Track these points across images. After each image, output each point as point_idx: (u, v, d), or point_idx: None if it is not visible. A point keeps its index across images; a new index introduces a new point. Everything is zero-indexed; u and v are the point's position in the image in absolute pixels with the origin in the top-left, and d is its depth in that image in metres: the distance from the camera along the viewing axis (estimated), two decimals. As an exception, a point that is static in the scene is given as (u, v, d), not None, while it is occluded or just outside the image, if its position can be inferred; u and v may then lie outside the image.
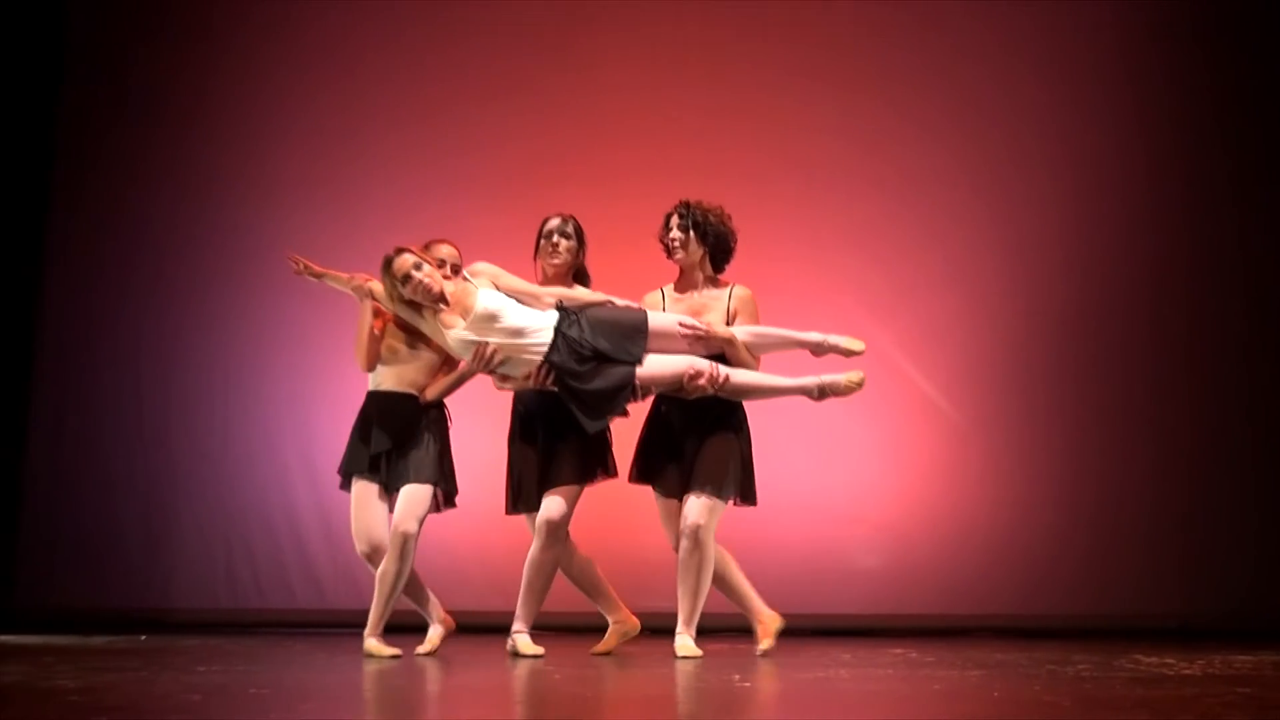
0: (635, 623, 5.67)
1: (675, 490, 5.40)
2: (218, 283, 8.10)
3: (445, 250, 5.54)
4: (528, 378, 5.27)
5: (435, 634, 5.65)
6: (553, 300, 5.36)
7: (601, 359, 5.19)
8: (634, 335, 5.24)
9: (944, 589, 7.47)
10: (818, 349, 5.42)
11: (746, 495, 5.46)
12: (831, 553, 7.48)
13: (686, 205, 5.57)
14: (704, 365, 5.22)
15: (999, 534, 7.52)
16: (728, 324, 5.46)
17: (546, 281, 5.55)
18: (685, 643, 5.29)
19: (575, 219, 5.60)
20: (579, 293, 5.47)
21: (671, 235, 5.55)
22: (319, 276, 5.58)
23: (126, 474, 7.99)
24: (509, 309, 5.25)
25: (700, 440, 5.38)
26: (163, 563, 7.88)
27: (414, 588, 5.60)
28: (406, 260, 5.26)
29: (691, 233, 5.53)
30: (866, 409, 7.60)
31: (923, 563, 7.52)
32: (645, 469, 5.49)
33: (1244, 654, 5.36)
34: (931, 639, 6.62)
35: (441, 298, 5.26)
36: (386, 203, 7.96)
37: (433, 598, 5.71)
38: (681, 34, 8.07)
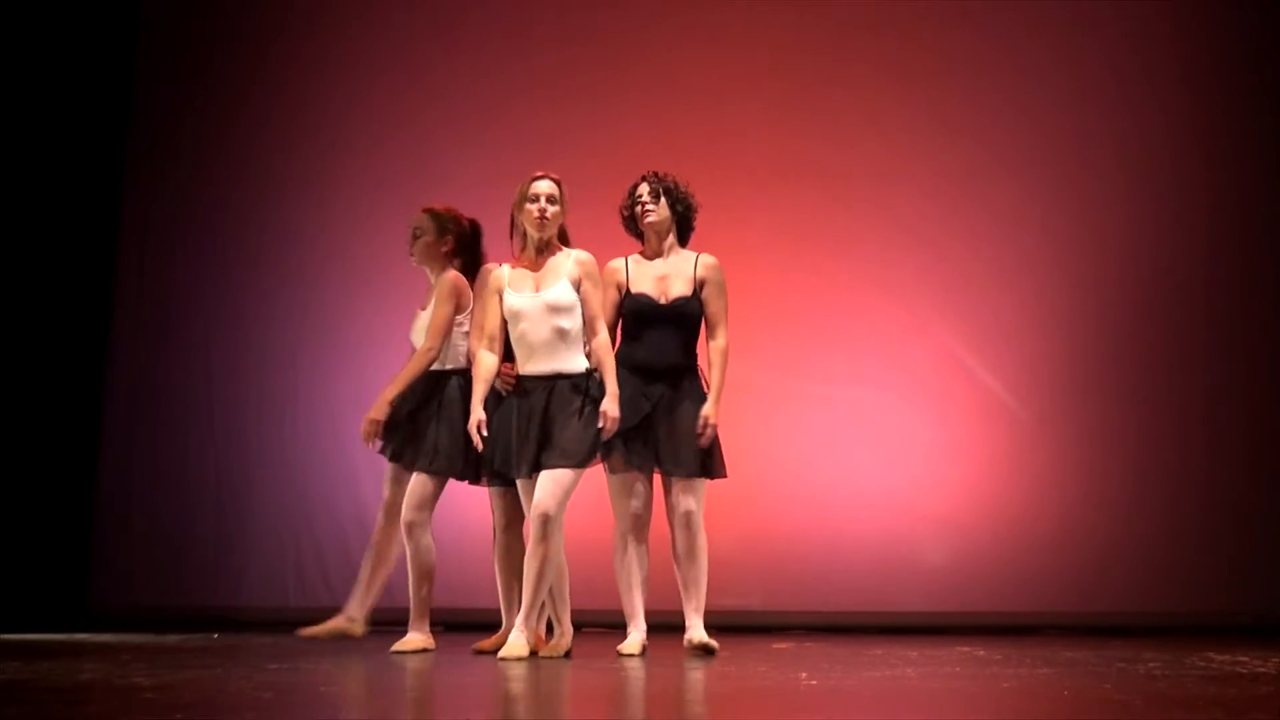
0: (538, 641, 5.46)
1: (641, 464, 5.39)
2: (290, 280, 8.20)
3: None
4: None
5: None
6: (601, 342, 5.25)
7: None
8: (569, 452, 5.10)
9: (1010, 586, 7.41)
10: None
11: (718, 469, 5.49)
12: (897, 549, 7.45)
13: (655, 174, 5.59)
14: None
15: (1065, 530, 7.46)
16: (694, 291, 5.48)
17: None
18: (700, 634, 5.34)
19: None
20: (609, 364, 5.24)
21: (643, 201, 5.53)
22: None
23: (199, 473, 8.10)
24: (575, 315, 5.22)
25: (671, 418, 5.39)
26: (234, 561, 7.97)
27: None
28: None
29: (663, 199, 5.55)
30: (931, 406, 7.61)
31: (988, 559, 7.47)
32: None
33: (1319, 652, 5.29)
34: (998, 637, 6.58)
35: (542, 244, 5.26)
36: (454, 203, 7.98)
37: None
38: (741, 33, 8.07)
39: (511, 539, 5.59)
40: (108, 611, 7.71)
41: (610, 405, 5.12)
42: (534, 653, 5.22)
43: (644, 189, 5.57)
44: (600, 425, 5.11)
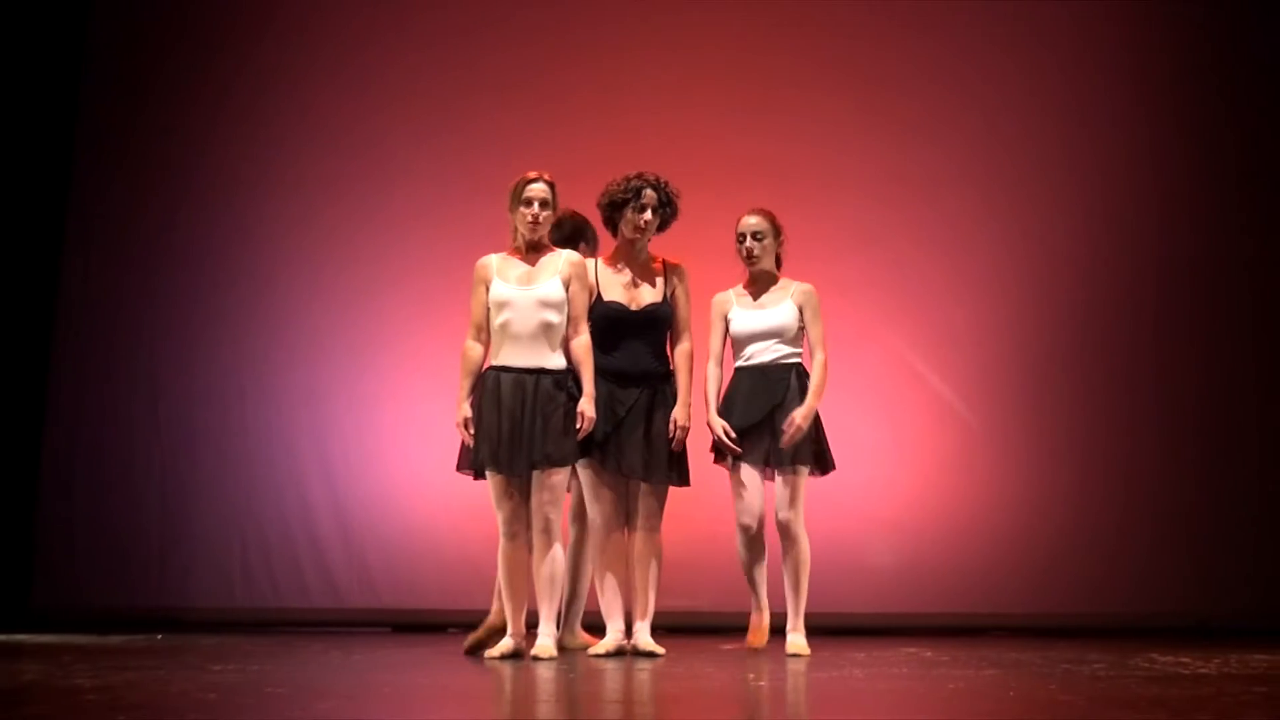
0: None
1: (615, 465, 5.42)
2: (236, 281, 8.11)
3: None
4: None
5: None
6: (583, 343, 5.29)
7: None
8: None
9: (957, 588, 7.45)
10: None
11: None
12: (847, 551, 7.46)
13: (659, 182, 5.55)
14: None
15: (1012, 533, 7.51)
16: (664, 297, 5.52)
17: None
18: (645, 638, 5.42)
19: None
20: (588, 364, 5.29)
21: (644, 218, 5.50)
22: None
23: (143, 473, 8.01)
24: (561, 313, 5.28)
25: (643, 425, 5.41)
26: (179, 562, 7.89)
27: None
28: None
29: (663, 210, 5.56)
30: (881, 409, 7.64)
31: (936, 561, 7.51)
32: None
33: (1260, 652, 5.34)
34: (945, 638, 6.61)
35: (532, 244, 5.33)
36: (407, 202, 7.99)
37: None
38: (695, 32, 8.07)
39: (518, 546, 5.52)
40: (50, 612, 7.61)
41: (587, 406, 5.20)
42: (563, 648, 5.40)
43: (651, 195, 5.53)
44: (578, 426, 5.19)
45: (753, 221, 5.65)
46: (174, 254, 8.17)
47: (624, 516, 5.48)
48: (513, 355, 5.24)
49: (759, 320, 5.59)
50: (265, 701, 3.66)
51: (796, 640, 5.44)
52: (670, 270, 5.57)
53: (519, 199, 5.34)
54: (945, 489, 7.63)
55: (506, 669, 4.82)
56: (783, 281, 5.70)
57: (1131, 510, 7.50)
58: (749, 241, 5.64)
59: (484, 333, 5.32)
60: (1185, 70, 7.90)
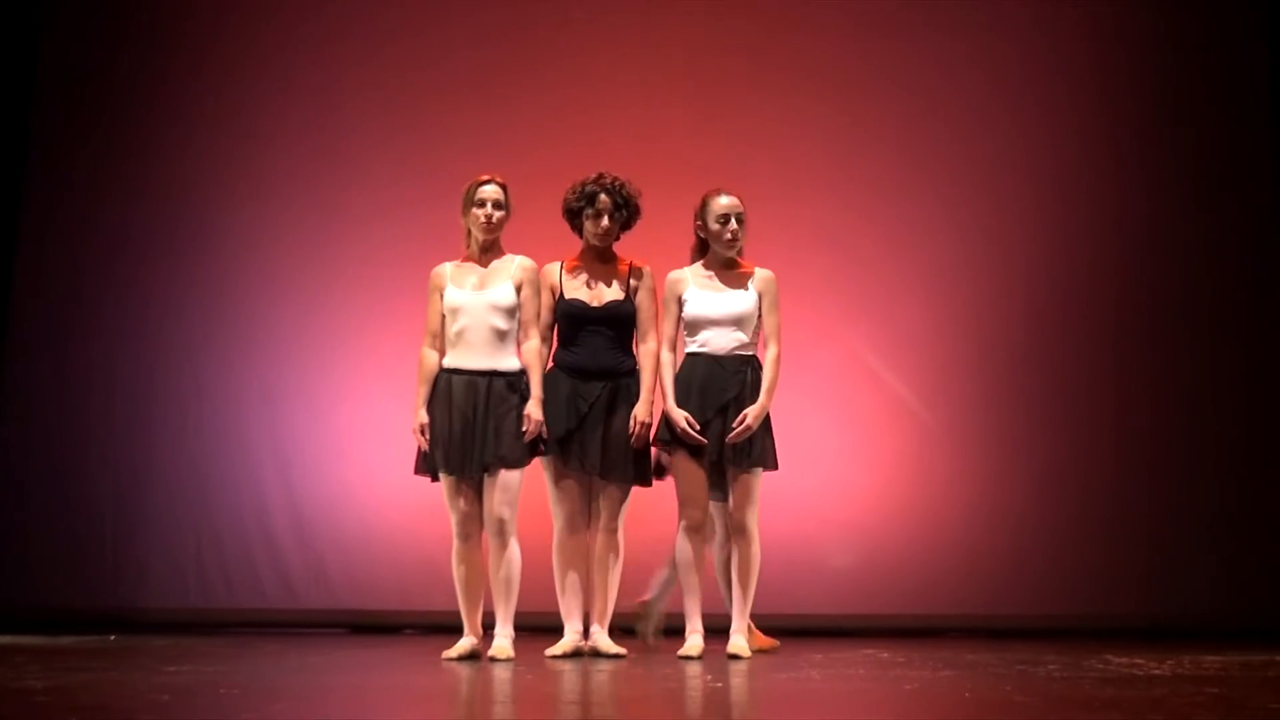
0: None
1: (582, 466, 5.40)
2: (193, 280, 8.04)
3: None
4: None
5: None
6: (532, 347, 5.34)
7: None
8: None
9: (914, 589, 7.48)
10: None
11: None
12: (804, 552, 7.48)
13: (616, 184, 5.51)
14: None
15: (969, 534, 7.54)
16: (627, 295, 5.49)
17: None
18: (604, 640, 5.45)
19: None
20: (537, 368, 5.35)
21: (607, 212, 5.47)
22: None
23: (97, 472, 7.93)
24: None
25: (605, 423, 5.39)
26: (133, 562, 7.81)
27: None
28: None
29: (621, 213, 5.53)
30: (839, 410, 7.66)
31: (893, 563, 7.53)
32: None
33: (1212, 654, 5.39)
34: (902, 639, 6.63)
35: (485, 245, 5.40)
36: (366, 203, 7.95)
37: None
38: (655, 34, 8.07)
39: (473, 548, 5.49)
40: (1, 612, 7.53)
41: (533, 408, 5.24)
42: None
43: (605, 200, 5.49)
44: (525, 429, 5.22)
45: (734, 202, 5.49)
46: (130, 252, 8.10)
47: (586, 516, 5.47)
48: (465, 358, 5.30)
49: (718, 305, 5.42)
50: (220, 703, 3.64)
51: (739, 641, 5.35)
52: (634, 271, 5.57)
53: (472, 201, 5.41)
54: (903, 490, 7.65)
55: (463, 670, 4.81)
56: (744, 266, 5.57)
57: (1087, 513, 7.55)
58: (733, 224, 5.48)
59: (439, 340, 5.38)
60: (1146, 73, 7.95)
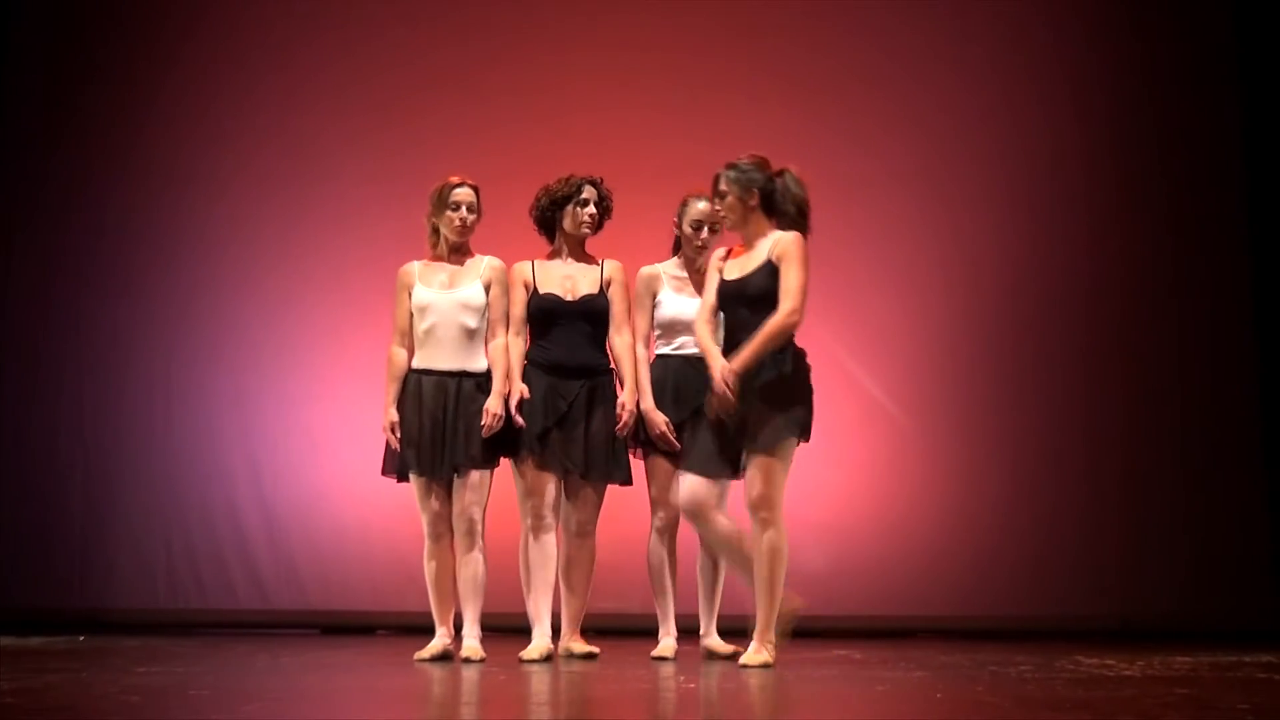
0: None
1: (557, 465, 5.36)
2: (163, 279, 8.01)
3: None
4: None
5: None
6: (499, 345, 5.34)
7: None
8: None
9: (886, 590, 7.48)
10: None
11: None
12: (776, 553, 7.47)
13: (599, 183, 5.55)
14: None
15: (941, 535, 7.55)
16: (600, 290, 5.47)
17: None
18: (576, 643, 5.45)
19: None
20: (501, 365, 5.35)
21: (588, 213, 5.48)
22: None
23: (66, 471, 7.89)
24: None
25: (585, 421, 5.35)
26: (102, 562, 7.77)
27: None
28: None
29: (602, 205, 5.55)
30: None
31: (865, 563, 7.53)
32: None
33: (1182, 655, 5.43)
34: (874, 640, 6.65)
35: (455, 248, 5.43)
36: (337, 203, 7.92)
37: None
38: (628, 35, 8.06)
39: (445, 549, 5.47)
40: (-32, 614, 7.49)
41: (493, 403, 5.24)
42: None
43: (592, 191, 5.50)
44: (484, 422, 5.20)
45: (708, 209, 5.45)
46: (100, 252, 8.06)
47: (558, 516, 5.44)
48: (435, 358, 5.31)
49: (694, 307, 5.35)
50: (190, 704, 3.62)
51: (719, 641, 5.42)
52: (607, 266, 5.56)
53: (445, 203, 5.41)
54: (874, 490, 7.66)
55: (435, 671, 4.80)
56: None
57: (1058, 513, 7.56)
58: (705, 232, 5.51)
59: (408, 338, 5.39)
60: (1114, 72, 7.95)
